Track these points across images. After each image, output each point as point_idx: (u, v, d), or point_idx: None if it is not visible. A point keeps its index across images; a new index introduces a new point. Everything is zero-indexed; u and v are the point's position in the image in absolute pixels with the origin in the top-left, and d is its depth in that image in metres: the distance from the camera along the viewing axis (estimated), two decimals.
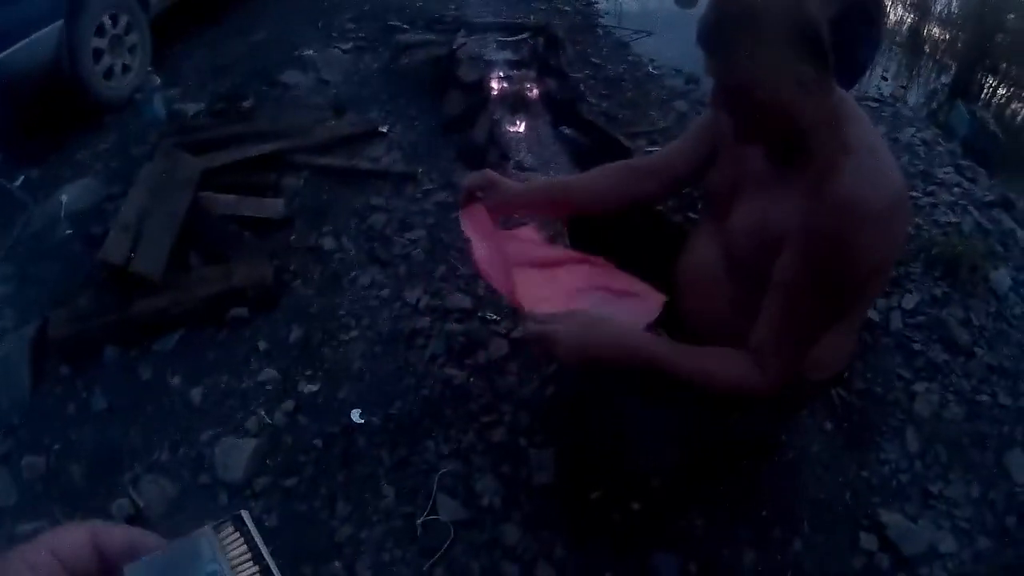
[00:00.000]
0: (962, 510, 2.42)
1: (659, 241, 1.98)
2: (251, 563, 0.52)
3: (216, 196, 3.09)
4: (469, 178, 1.95)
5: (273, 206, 3.13)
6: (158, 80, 3.70)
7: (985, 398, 2.80)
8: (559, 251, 2.08)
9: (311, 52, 4.11)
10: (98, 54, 3.87)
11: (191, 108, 3.70)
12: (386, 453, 2.29)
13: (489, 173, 1.92)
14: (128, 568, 0.51)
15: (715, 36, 1.39)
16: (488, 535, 2.14)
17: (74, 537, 0.53)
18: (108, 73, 3.95)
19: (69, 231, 3.09)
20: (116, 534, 0.54)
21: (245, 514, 0.54)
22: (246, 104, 3.71)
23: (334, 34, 4.33)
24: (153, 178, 2.98)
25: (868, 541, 2.27)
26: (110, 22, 3.92)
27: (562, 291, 1.86)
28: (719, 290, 1.69)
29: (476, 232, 1.88)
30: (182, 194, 2.95)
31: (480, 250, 1.84)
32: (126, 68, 4.04)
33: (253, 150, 3.33)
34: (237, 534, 0.53)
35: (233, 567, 0.51)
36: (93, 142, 3.67)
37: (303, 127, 3.56)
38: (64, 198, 3.21)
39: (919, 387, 2.76)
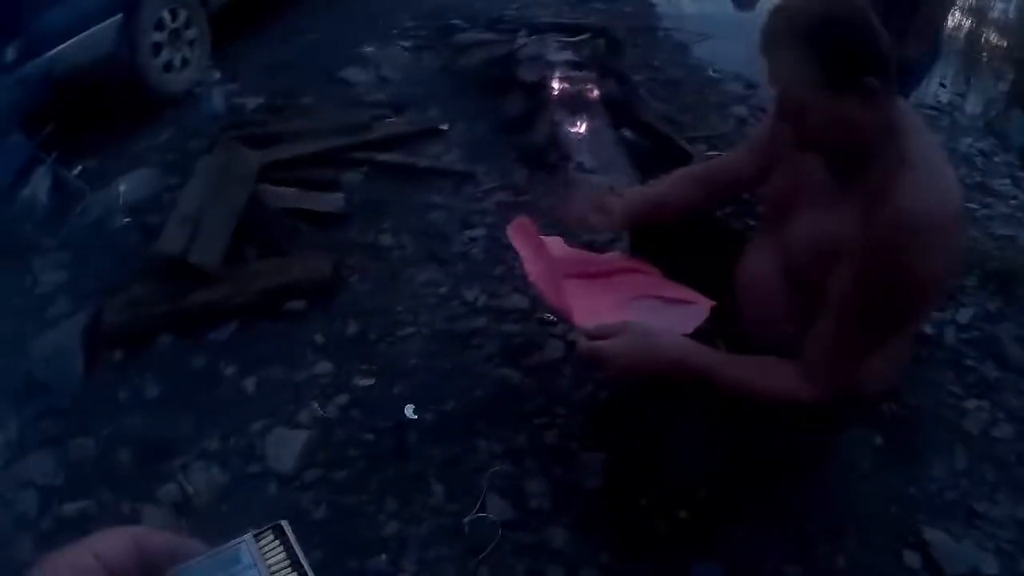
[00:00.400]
0: (1006, 531, 2.33)
1: (719, 247, 1.94)
2: (289, 570, 0.53)
3: (275, 189, 3.06)
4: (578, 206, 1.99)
5: (332, 201, 3.10)
6: (217, 75, 3.72)
7: None
8: (607, 260, 2.05)
9: (371, 50, 4.10)
10: (158, 48, 3.89)
11: (250, 103, 3.70)
12: (437, 450, 2.23)
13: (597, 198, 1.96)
14: (170, 573, 0.52)
15: (775, 45, 1.40)
16: (535, 537, 2.07)
17: (118, 541, 0.54)
18: (167, 67, 3.96)
19: (126, 220, 3.08)
20: (158, 539, 0.55)
21: (285, 524, 0.56)
22: (305, 100, 3.70)
23: (394, 32, 4.32)
24: (212, 170, 2.96)
25: (912, 559, 2.19)
26: (169, 16, 3.94)
27: (611, 301, 1.84)
28: (776, 299, 1.66)
29: (525, 245, 1.88)
30: (240, 187, 2.93)
31: (531, 263, 1.83)
32: (185, 62, 4.05)
33: (312, 145, 3.31)
34: (277, 542, 0.55)
35: (272, 574, 0.53)
36: (152, 134, 3.68)
37: (362, 124, 3.53)
38: (122, 188, 3.21)
39: (970, 404, 2.67)
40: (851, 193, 1.43)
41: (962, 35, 7.86)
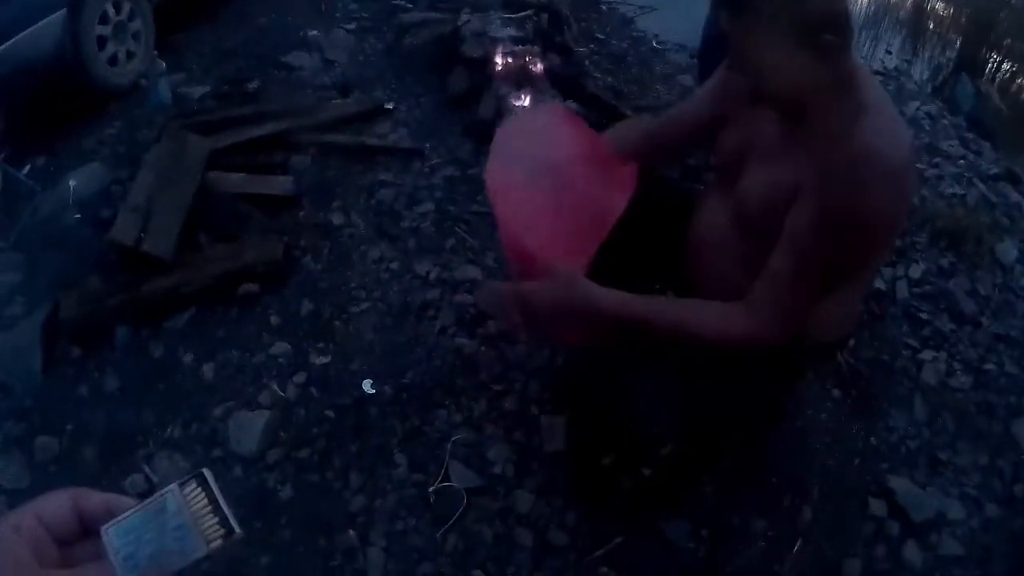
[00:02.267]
0: (970, 477, 2.45)
1: (667, 207, 1.98)
2: (211, 515, 0.60)
3: (224, 175, 3.08)
4: None
5: (282, 184, 3.12)
6: (163, 65, 3.69)
7: (992, 367, 2.82)
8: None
9: (315, 33, 4.10)
10: (102, 41, 3.85)
11: (196, 92, 3.69)
12: (398, 423, 2.29)
13: None
14: (105, 528, 0.58)
15: (736, 1, 1.42)
16: (501, 503, 2.15)
17: (57, 502, 0.59)
18: (112, 60, 3.93)
19: (78, 216, 3.07)
20: (96, 498, 0.61)
21: (207, 471, 0.63)
22: (252, 86, 3.70)
23: (338, 15, 4.32)
24: (161, 160, 2.97)
25: (878, 507, 2.29)
26: (113, 10, 3.90)
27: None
28: (729, 251, 1.71)
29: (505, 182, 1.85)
30: (190, 174, 2.94)
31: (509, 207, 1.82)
32: (130, 55, 4.02)
33: (260, 130, 3.32)
34: (200, 490, 0.61)
35: (196, 519, 0.59)
36: (99, 129, 3.66)
37: (309, 107, 3.55)
38: (72, 184, 3.19)
39: (926, 355, 2.79)
40: (805, 139, 1.48)
41: (909, 3, 7.98)
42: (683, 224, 1.88)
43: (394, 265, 2.83)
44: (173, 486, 0.61)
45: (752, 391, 1.79)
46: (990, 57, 7.18)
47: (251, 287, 2.68)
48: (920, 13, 7.80)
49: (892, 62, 5.76)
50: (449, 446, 2.23)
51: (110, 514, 0.59)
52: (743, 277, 1.58)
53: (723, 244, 1.72)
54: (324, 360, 2.45)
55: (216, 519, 0.60)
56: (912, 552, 2.21)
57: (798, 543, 2.18)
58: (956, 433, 2.57)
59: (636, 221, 1.88)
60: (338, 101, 3.66)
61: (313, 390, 2.37)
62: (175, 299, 2.64)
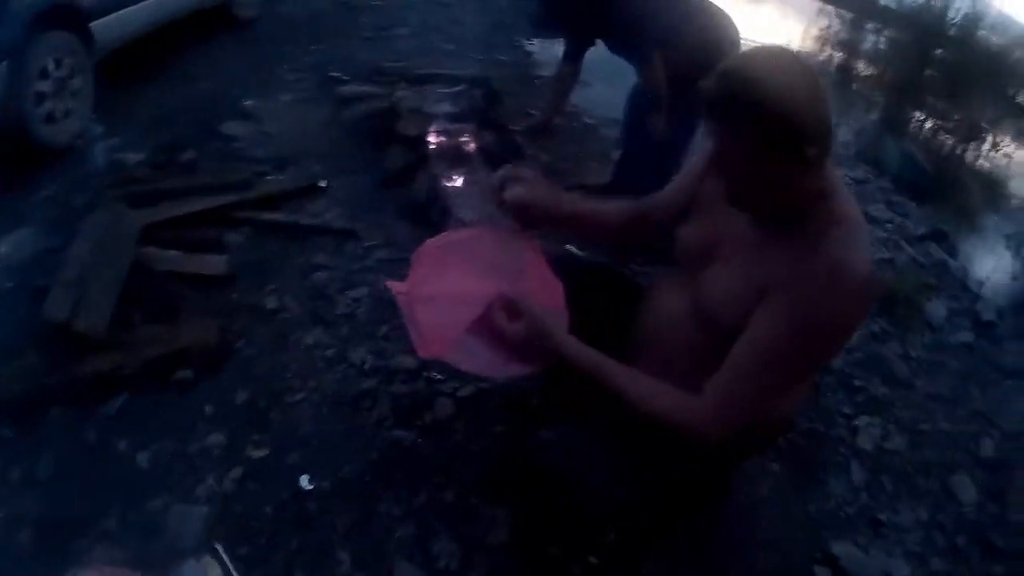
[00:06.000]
0: (912, 535, 2.60)
1: (615, 295, 2.08)
2: None
3: (159, 252, 3.10)
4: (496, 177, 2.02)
5: (216, 263, 3.15)
6: (100, 128, 3.68)
7: (926, 426, 3.04)
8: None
9: (253, 103, 4.13)
10: (41, 97, 3.79)
11: (131, 158, 3.68)
12: (339, 519, 2.32)
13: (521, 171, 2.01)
14: None
15: (725, 111, 1.46)
16: None
17: None
18: (50, 118, 3.86)
19: (9, 284, 3.05)
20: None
21: (219, 546, 0.71)
22: (187, 156, 3.72)
23: (276, 85, 4.36)
24: (95, 232, 2.97)
25: (823, 574, 2.40)
26: (54, 64, 3.85)
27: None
28: (683, 342, 1.75)
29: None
30: (124, 249, 2.96)
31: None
32: (68, 113, 3.96)
33: (195, 205, 3.35)
34: (215, 562, 0.71)
35: None
36: (32, 190, 3.61)
37: (245, 181, 3.59)
38: (3, 249, 3.17)
39: (861, 421, 2.98)
40: (776, 243, 1.55)
41: (832, 67, 8.30)
42: (631, 312, 1.96)
43: (329, 352, 2.89)
44: (189, 560, 0.73)
45: (698, 471, 1.88)
46: (913, 117, 7.50)
47: (186, 373, 2.69)
48: (845, 74, 8.12)
49: None
50: (393, 542, 2.27)
51: None
52: (693, 368, 1.63)
53: (677, 334, 1.76)
54: (261, 453, 2.48)
55: None
56: None
57: None
58: (894, 494, 2.74)
59: (585, 308, 1.93)
60: (273, 177, 3.71)
61: (251, 484, 2.39)
62: (109, 382, 2.63)
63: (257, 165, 3.78)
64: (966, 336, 3.79)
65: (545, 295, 1.90)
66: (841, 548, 2.48)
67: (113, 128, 3.83)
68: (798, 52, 1.48)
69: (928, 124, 7.40)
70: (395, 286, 1.96)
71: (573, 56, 3.87)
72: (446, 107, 4.19)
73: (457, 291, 1.85)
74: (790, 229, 1.53)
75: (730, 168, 1.54)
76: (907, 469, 2.86)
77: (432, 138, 3.91)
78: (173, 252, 3.13)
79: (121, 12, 4.03)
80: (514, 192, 1.98)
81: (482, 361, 1.77)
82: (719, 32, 3.55)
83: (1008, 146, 7.23)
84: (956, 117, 7.27)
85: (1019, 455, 3.15)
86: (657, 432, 1.64)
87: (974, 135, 7.10)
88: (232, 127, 3.96)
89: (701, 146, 1.85)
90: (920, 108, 7.45)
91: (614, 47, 3.72)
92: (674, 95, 3.47)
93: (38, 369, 2.64)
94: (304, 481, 2.39)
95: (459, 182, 3.83)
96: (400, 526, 2.33)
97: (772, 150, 1.44)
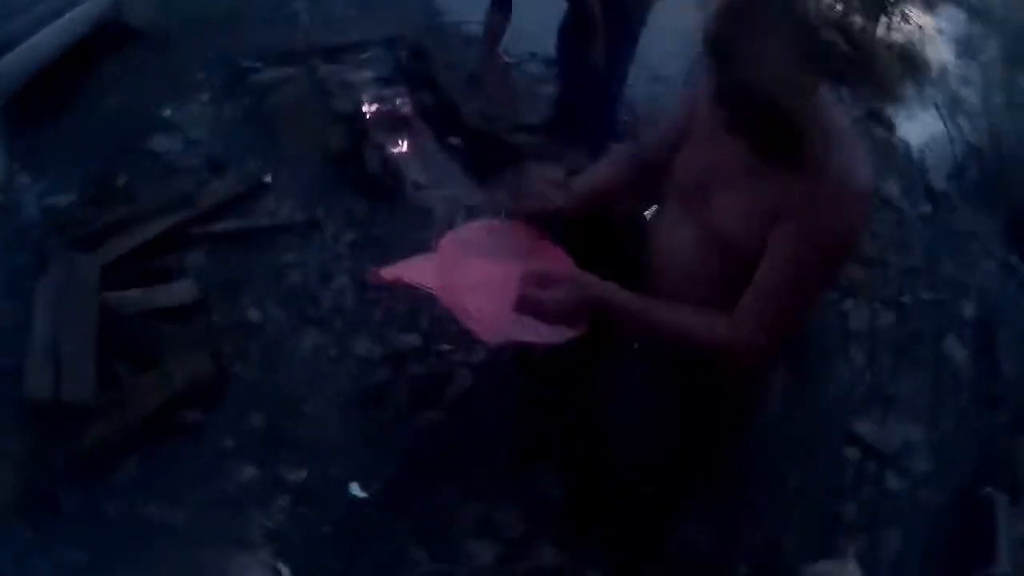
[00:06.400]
0: (919, 401, 2.79)
1: (617, 233, 2.09)
2: None
3: (121, 294, 2.86)
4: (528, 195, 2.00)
5: (184, 290, 2.92)
6: (26, 177, 3.39)
7: (908, 299, 3.19)
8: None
9: (171, 112, 3.86)
10: None
11: (63, 200, 3.35)
12: (401, 518, 2.23)
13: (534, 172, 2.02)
14: None
15: (727, 41, 1.47)
16: (528, 563, 2.16)
17: None
18: None
19: None
20: None
21: (283, 567, 0.86)
22: (120, 183, 3.44)
23: (189, 87, 4.06)
24: (53, 291, 2.74)
25: (852, 453, 2.58)
26: None
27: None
28: (697, 271, 1.77)
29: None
30: (88, 301, 2.71)
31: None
32: None
33: (144, 233, 3.11)
34: None
35: None
36: None
37: (187, 196, 3.34)
38: None
39: (847, 305, 3.08)
40: (778, 168, 1.57)
41: None
42: (637, 248, 1.97)
43: (331, 352, 2.74)
44: None
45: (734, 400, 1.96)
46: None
47: (192, 414, 2.51)
48: None
49: None
50: (459, 527, 2.22)
51: None
52: (711, 294, 1.69)
53: (689, 265, 1.79)
54: (300, 474, 2.34)
55: None
56: (893, 481, 2.52)
57: (795, 507, 2.40)
58: (895, 367, 2.88)
59: (589, 249, 1.97)
60: (215, 184, 3.47)
61: (302, 509, 2.26)
62: (115, 446, 2.43)
63: (194, 176, 3.52)
64: (924, 208, 3.94)
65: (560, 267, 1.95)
66: (862, 427, 2.64)
67: (36, 172, 3.51)
68: None
69: (837, 5, 7.43)
70: (390, 273, 2.02)
71: (502, 2, 3.71)
72: (374, 74, 3.99)
73: (486, 277, 1.89)
74: (789, 152, 1.54)
75: (731, 97, 1.54)
76: (901, 342, 2.99)
77: (368, 109, 3.70)
78: (136, 291, 2.89)
79: (16, 51, 3.71)
80: (531, 203, 2.01)
81: (542, 332, 1.76)
82: None
83: (918, 16, 7.31)
84: None
85: (997, 311, 3.33)
86: (695, 364, 1.72)
87: (883, 9, 7.14)
88: (157, 142, 3.67)
89: None
90: None
91: None
92: (608, 19, 3.34)
93: (33, 454, 2.41)
94: (356, 489, 2.29)
95: (405, 147, 3.66)
96: (462, 508, 2.27)
97: (777, 78, 1.44)
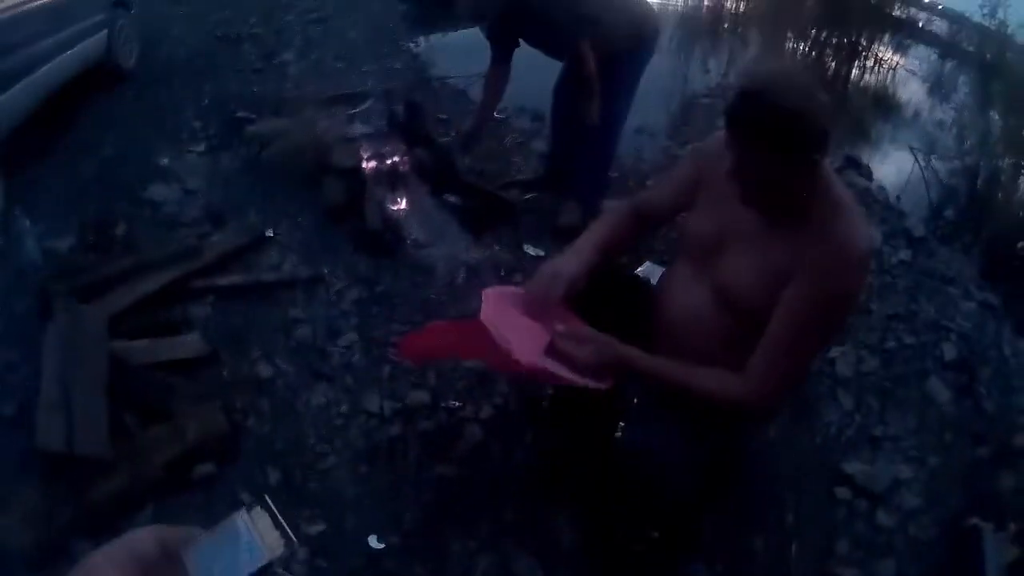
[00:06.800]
0: (906, 442, 2.90)
1: (628, 293, 2.24)
2: (273, 529, 0.71)
3: (129, 345, 2.89)
4: (536, 285, 2.05)
5: (192, 344, 2.96)
6: (27, 222, 3.37)
7: (892, 344, 3.33)
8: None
9: (167, 161, 3.88)
10: None
11: (62, 244, 3.36)
12: (420, 568, 2.27)
13: (550, 269, 2.05)
14: (185, 552, 0.68)
15: (746, 132, 1.66)
16: None
17: (142, 536, 0.68)
18: None
19: None
20: (174, 533, 0.70)
21: (266, 496, 0.74)
22: (119, 231, 3.46)
23: (184, 136, 4.10)
24: (61, 340, 2.75)
25: (843, 493, 2.67)
26: None
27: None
28: (709, 327, 1.92)
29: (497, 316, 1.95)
30: (97, 352, 2.73)
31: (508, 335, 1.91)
32: None
33: (149, 284, 3.13)
34: (263, 511, 0.72)
35: (262, 535, 0.70)
36: None
37: (191, 248, 3.37)
38: None
39: (834, 352, 3.22)
40: (787, 233, 1.75)
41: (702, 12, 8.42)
42: (642, 304, 2.12)
43: (343, 408, 2.78)
44: (241, 510, 0.72)
45: (739, 434, 2.12)
46: (793, 46, 7.71)
47: (206, 467, 2.52)
48: (715, 16, 8.24)
49: None
50: (475, 574, 2.27)
51: (188, 543, 0.68)
52: (721, 347, 1.87)
53: (702, 323, 1.93)
54: (318, 528, 2.36)
55: (277, 532, 0.71)
56: (883, 517, 2.61)
57: (793, 545, 2.49)
58: (881, 409, 3.01)
59: (600, 308, 2.08)
60: (217, 237, 3.51)
61: (321, 562, 2.28)
62: (129, 500, 2.44)
63: (195, 228, 3.56)
64: (904, 254, 4.09)
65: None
66: (852, 467, 2.75)
67: (33, 216, 3.50)
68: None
69: (810, 51, 7.61)
70: (411, 350, 2.44)
71: (501, 59, 3.80)
72: (370, 129, 4.06)
73: (524, 326, 1.98)
74: (797, 219, 1.73)
75: (748, 173, 1.71)
76: (886, 386, 3.14)
77: (367, 164, 3.78)
78: (143, 342, 2.92)
79: (7, 94, 3.72)
80: (557, 291, 2.02)
81: (569, 372, 1.88)
82: (639, 6, 3.65)
83: (890, 59, 7.54)
84: (834, 40, 7.52)
85: (976, 351, 3.48)
86: (710, 411, 1.87)
87: (855, 54, 7.35)
88: (155, 191, 3.69)
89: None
90: (798, 37, 7.66)
91: (537, 43, 3.70)
92: (602, 76, 3.48)
93: (44, 505, 2.42)
94: (374, 541, 2.32)
95: (404, 204, 3.74)
96: (478, 558, 2.32)
97: (789, 161, 1.65)
